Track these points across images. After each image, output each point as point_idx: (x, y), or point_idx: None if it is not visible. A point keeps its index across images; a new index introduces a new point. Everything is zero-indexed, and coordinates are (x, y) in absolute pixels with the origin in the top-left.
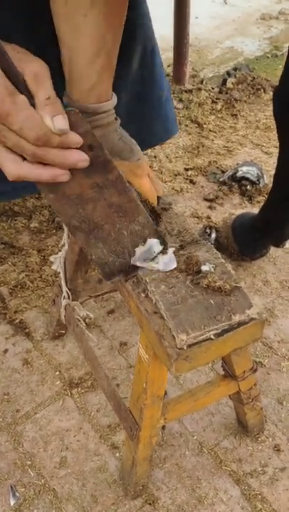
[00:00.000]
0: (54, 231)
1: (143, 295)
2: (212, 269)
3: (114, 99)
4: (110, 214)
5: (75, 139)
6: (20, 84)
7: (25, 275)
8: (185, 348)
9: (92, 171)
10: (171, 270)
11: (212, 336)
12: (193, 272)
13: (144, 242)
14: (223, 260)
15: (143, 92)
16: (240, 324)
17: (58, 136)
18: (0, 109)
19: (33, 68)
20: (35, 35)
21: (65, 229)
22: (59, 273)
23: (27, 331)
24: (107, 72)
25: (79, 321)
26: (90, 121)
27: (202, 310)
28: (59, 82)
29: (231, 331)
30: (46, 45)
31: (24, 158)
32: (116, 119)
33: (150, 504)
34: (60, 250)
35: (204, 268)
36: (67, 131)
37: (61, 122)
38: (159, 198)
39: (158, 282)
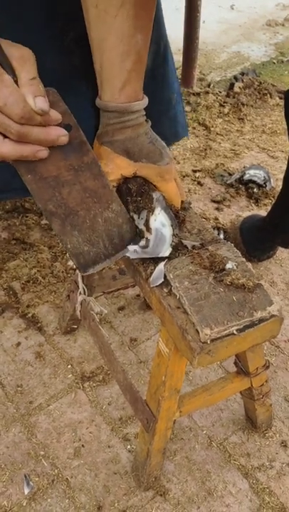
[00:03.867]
0: None
1: (166, 290)
2: (235, 267)
3: (145, 100)
4: (85, 199)
5: (55, 116)
6: (6, 66)
7: (37, 271)
8: (208, 342)
9: (69, 153)
10: (195, 267)
11: (235, 332)
12: (217, 269)
13: (119, 229)
14: (243, 259)
15: (153, 92)
16: (261, 321)
17: (40, 115)
18: None
19: (19, 52)
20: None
21: None
22: (75, 269)
23: (39, 325)
24: (137, 72)
25: (95, 315)
26: (121, 121)
27: (225, 306)
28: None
29: (252, 327)
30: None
31: (5, 137)
32: (146, 121)
33: (161, 495)
34: None
35: (228, 266)
36: (47, 112)
37: (43, 102)
38: (182, 202)
39: (181, 279)
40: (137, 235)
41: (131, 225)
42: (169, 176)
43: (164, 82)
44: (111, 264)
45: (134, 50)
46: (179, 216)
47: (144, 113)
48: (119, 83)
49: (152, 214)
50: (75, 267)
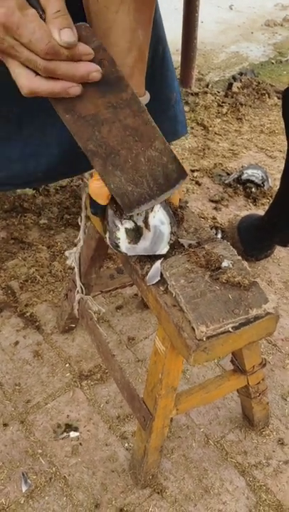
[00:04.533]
0: (63, 228)
1: (162, 289)
2: (231, 266)
3: (147, 96)
4: (126, 138)
5: (85, 50)
6: (34, 1)
7: (35, 270)
8: (204, 340)
9: (106, 89)
10: (192, 266)
11: (230, 329)
12: (213, 267)
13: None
14: (239, 257)
15: (153, 92)
16: (256, 318)
17: (66, 48)
18: (11, 21)
19: None
20: None
21: (82, 225)
22: (73, 268)
23: (37, 324)
24: (139, 67)
25: (93, 314)
26: None
27: (221, 304)
28: None
29: (248, 325)
30: None
31: (37, 74)
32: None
33: (158, 493)
34: (69, 247)
35: (224, 264)
36: (74, 44)
37: (68, 34)
38: (179, 199)
39: (178, 277)
40: (184, 175)
41: (177, 164)
42: None
43: (163, 82)
44: (156, 204)
45: (136, 46)
46: (177, 214)
47: (146, 109)
48: None
49: (151, 211)
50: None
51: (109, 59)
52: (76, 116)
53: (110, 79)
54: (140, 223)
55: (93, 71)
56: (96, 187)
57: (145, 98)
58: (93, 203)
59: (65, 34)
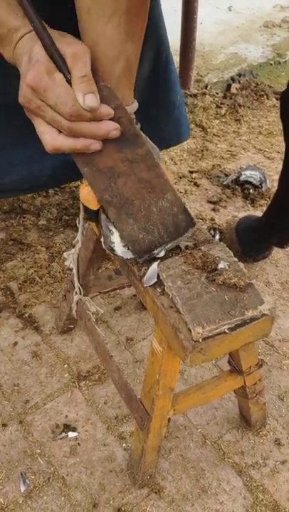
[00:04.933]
0: (62, 229)
1: (159, 290)
2: (227, 267)
3: (135, 105)
4: (140, 189)
5: (106, 110)
6: (60, 64)
7: (34, 271)
8: (200, 341)
9: (123, 145)
10: (188, 267)
11: (226, 330)
12: (209, 269)
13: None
14: (235, 259)
15: (156, 95)
16: (252, 319)
17: (89, 112)
18: (39, 84)
19: (74, 49)
20: None
21: (80, 227)
22: (71, 269)
23: (36, 325)
24: (126, 77)
25: (91, 315)
26: None
27: (217, 305)
28: None
29: (244, 326)
30: None
31: (60, 131)
32: (136, 123)
33: (156, 493)
34: (68, 248)
35: (220, 266)
36: (97, 108)
37: (91, 100)
38: None
39: (174, 278)
40: (193, 224)
41: (186, 214)
42: None
43: (166, 86)
44: (165, 251)
45: (124, 57)
46: None
47: (134, 117)
48: None
49: None
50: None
51: (128, 117)
52: (94, 169)
53: (128, 136)
54: None
55: (113, 129)
56: (85, 193)
57: (132, 107)
58: (86, 209)
59: (89, 99)
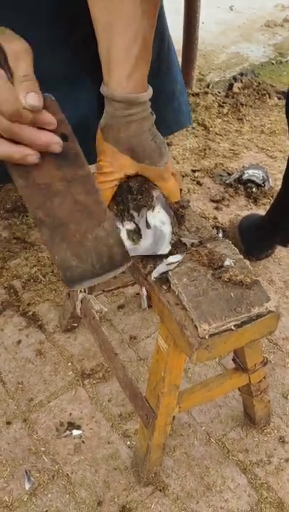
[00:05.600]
0: None
1: (165, 287)
2: (233, 264)
3: (150, 90)
4: (76, 213)
5: (48, 118)
6: (3, 63)
7: (38, 269)
8: (206, 338)
9: (63, 164)
10: (194, 264)
11: (232, 327)
12: (215, 266)
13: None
14: (241, 256)
15: (158, 84)
16: (258, 316)
17: (31, 112)
18: None
19: (15, 46)
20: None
21: None
22: None
23: (40, 323)
24: (143, 59)
25: (95, 313)
26: (128, 114)
27: (223, 302)
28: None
29: (250, 323)
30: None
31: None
32: (152, 113)
33: (160, 491)
34: None
35: (226, 263)
36: (39, 108)
37: (33, 98)
38: (180, 190)
39: (180, 275)
40: (128, 261)
41: (122, 248)
42: (168, 175)
43: (168, 75)
44: (97, 283)
45: (141, 36)
46: (178, 214)
47: (150, 104)
48: (126, 70)
49: (152, 212)
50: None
51: (70, 134)
52: (30, 183)
53: (69, 154)
54: (141, 224)
55: (54, 143)
56: None
57: (148, 93)
58: None
59: (30, 98)
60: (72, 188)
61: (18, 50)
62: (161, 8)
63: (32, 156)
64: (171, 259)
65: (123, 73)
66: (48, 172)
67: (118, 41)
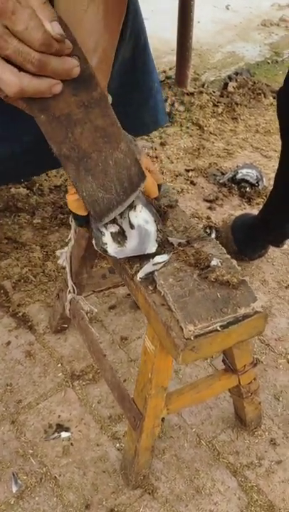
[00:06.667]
0: (56, 228)
1: (151, 288)
2: (220, 264)
3: (109, 99)
4: (96, 139)
5: (68, 44)
6: None
7: (28, 270)
8: (192, 339)
9: (78, 87)
10: (180, 264)
11: (218, 328)
12: (202, 266)
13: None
14: (228, 256)
15: (134, 82)
16: (245, 317)
17: (57, 41)
18: (5, 5)
19: None
20: None
21: (72, 225)
22: (64, 267)
23: (30, 324)
24: (101, 72)
25: (84, 314)
26: None
27: (209, 303)
28: None
29: (236, 324)
30: None
31: (20, 70)
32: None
33: (149, 494)
34: (62, 247)
35: (213, 263)
36: (64, 37)
37: (59, 27)
38: (160, 185)
39: (166, 276)
40: (143, 179)
41: (139, 167)
42: None
43: (144, 72)
44: (122, 210)
45: (101, 48)
46: (160, 211)
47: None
48: None
49: (134, 211)
50: (91, 214)
51: (82, 55)
52: (51, 117)
53: (83, 76)
54: (125, 225)
55: (75, 66)
56: (73, 200)
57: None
58: (76, 216)
59: (56, 26)
60: (90, 113)
61: None
62: (136, 4)
63: (58, 85)
64: (158, 259)
65: None
66: (65, 100)
67: None
